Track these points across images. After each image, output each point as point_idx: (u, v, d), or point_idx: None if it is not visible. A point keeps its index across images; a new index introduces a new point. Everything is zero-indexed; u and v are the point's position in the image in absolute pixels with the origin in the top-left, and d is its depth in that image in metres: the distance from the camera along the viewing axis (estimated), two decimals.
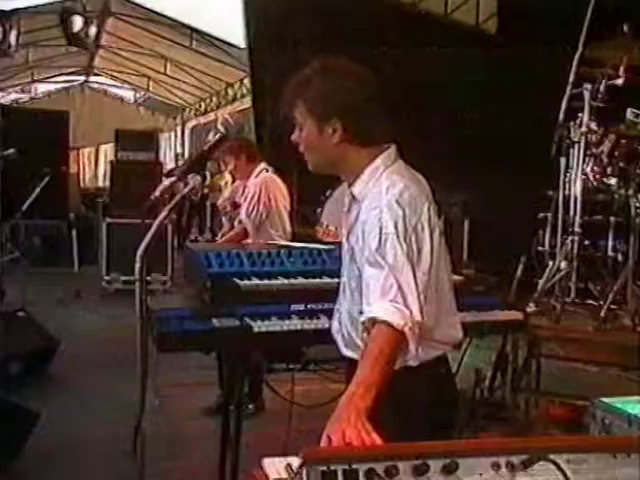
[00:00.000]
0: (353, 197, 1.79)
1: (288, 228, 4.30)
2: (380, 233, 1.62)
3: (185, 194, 1.73)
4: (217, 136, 1.80)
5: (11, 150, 4.67)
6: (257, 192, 4.13)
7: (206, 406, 3.97)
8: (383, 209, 1.65)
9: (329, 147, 1.74)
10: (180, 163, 16.24)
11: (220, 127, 1.82)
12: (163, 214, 1.71)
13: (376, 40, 7.02)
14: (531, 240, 4.38)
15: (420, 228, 1.66)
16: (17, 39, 8.54)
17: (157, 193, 1.74)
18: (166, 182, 1.75)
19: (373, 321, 1.56)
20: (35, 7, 10.40)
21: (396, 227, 1.62)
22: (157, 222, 1.70)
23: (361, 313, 1.68)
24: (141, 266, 1.68)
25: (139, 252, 1.67)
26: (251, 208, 4.11)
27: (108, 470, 3.43)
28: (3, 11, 8.17)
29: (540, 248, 4.28)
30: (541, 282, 4.04)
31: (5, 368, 4.15)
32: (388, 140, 1.79)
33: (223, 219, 5.11)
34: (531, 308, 3.83)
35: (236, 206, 4.38)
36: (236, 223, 4.40)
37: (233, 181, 5.58)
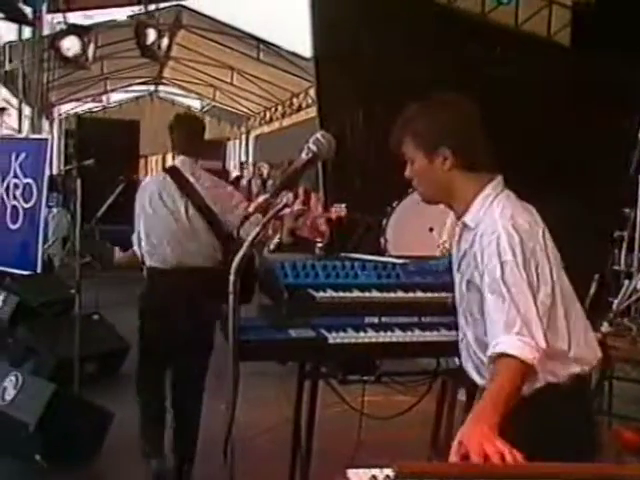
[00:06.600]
0: (465, 225, 1.83)
1: None
2: (500, 260, 1.66)
3: (278, 210, 1.77)
4: (309, 155, 1.84)
5: (90, 160, 4.89)
6: None
7: (274, 414, 4.02)
8: (501, 235, 1.68)
9: (440, 176, 1.81)
10: (245, 172, 16.51)
11: (312, 146, 1.85)
12: (257, 229, 1.76)
13: (441, 53, 6.99)
14: (605, 258, 4.28)
15: (538, 250, 1.70)
16: (94, 52, 8.89)
17: (251, 209, 1.78)
18: (260, 199, 1.80)
19: (501, 355, 1.59)
20: (112, 21, 10.83)
21: (514, 254, 1.66)
22: (251, 237, 1.74)
23: (487, 335, 1.71)
24: (235, 280, 1.72)
25: (233, 266, 1.70)
26: None
27: None
28: (83, 26, 8.52)
29: (616, 267, 4.18)
30: (616, 302, 3.95)
31: (81, 369, 4.31)
32: (492, 165, 1.84)
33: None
34: (605, 328, 3.74)
35: None
36: None
37: None
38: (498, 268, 1.65)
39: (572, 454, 1.39)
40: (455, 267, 1.88)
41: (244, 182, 14.10)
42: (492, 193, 1.79)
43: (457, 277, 1.87)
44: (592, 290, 4.15)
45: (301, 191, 4.43)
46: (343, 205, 6.72)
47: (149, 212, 3.46)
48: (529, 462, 1.39)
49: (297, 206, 5.82)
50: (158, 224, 3.42)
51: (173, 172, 3.46)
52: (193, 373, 3.46)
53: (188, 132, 3.52)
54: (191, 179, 3.39)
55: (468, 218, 1.80)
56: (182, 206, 3.36)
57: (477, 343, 1.83)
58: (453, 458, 1.44)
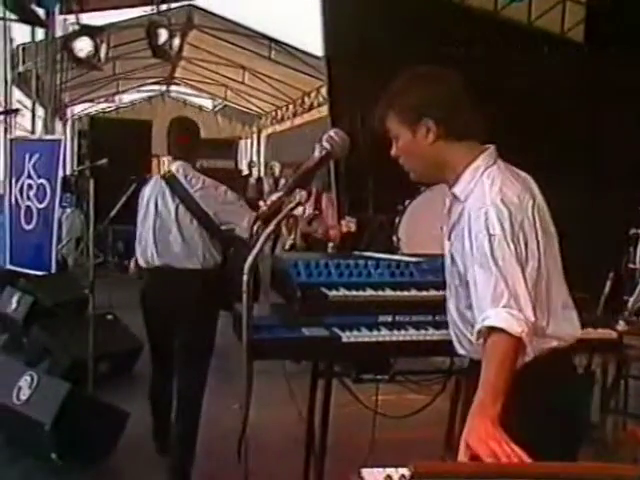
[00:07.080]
0: (454, 197, 1.81)
1: None
2: (488, 234, 1.64)
3: (291, 209, 1.76)
4: (322, 153, 1.83)
5: (103, 160, 4.92)
6: None
7: (288, 413, 4.02)
8: (489, 209, 1.66)
9: (426, 149, 1.78)
10: (254, 170, 16.54)
11: (325, 144, 1.84)
12: (270, 228, 1.75)
13: (456, 50, 6.95)
14: (620, 256, 4.26)
15: (527, 224, 1.67)
16: (107, 53, 8.93)
17: (264, 208, 1.78)
18: (273, 197, 1.79)
19: (490, 329, 1.58)
20: (124, 21, 10.88)
21: (503, 228, 1.64)
22: (264, 235, 1.74)
23: (468, 308, 1.72)
24: (249, 279, 1.72)
25: (247, 265, 1.70)
26: None
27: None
28: (95, 27, 8.54)
29: (631, 265, 4.15)
30: (631, 300, 3.92)
31: (95, 368, 4.33)
32: (481, 133, 1.81)
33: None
34: (621, 327, 3.70)
35: None
36: None
37: None
38: (486, 242, 1.63)
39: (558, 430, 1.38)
40: (446, 236, 1.86)
41: (252, 181, 14.11)
42: (482, 165, 1.76)
43: (447, 245, 1.86)
44: (607, 288, 4.12)
45: (313, 192, 4.41)
46: (353, 219, 6.71)
47: (142, 215, 3.52)
48: (531, 458, 1.39)
49: (309, 209, 5.81)
50: (147, 226, 3.48)
51: (168, 176, 3.49)
52: (187, 376, 3.46)
53: (183, 136, 3.54)
54: (184, 182, 3.40)
55: (457, 189, 1.78)
56: (173, 209, 3.39)
57: (458, 313, 1.84)
58: (462, 458, 1.43)
